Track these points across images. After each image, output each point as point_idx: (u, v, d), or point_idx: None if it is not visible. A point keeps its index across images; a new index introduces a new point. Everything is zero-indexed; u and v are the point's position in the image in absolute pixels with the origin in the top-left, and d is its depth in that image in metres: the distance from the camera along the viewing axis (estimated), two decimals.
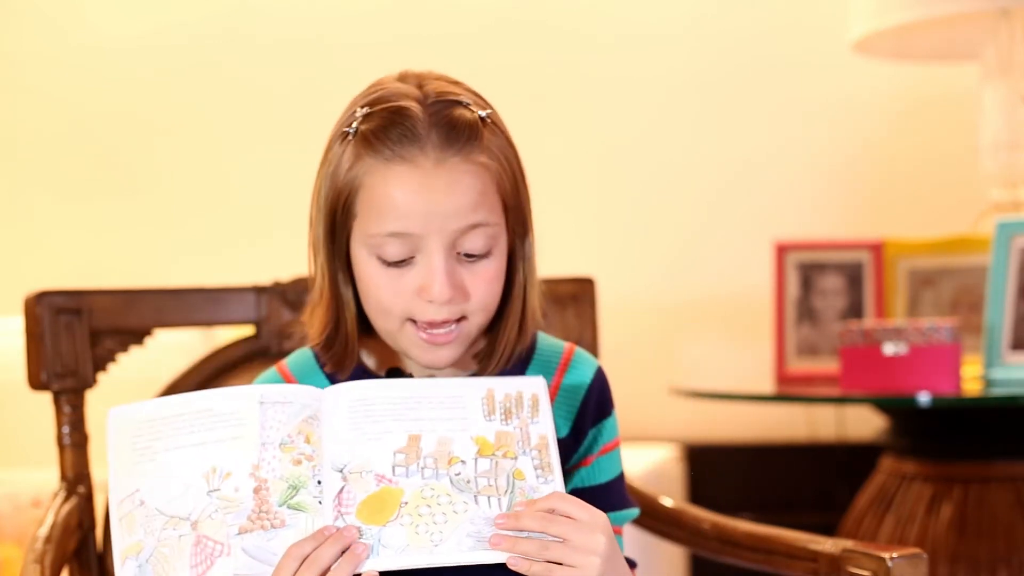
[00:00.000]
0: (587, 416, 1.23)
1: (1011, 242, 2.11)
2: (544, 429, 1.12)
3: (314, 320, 1.20)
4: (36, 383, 1.51)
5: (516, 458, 1.10)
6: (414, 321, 1.14)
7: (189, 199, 3.19)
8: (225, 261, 3.08)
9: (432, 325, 1.14)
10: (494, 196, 1.13)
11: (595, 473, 1.23)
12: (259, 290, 1.61)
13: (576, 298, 1.66)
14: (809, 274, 2.42)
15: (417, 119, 1.11)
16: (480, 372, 1.21)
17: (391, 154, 1.10)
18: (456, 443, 1.10)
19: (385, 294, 1.13)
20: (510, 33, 3.06)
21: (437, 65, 1.21)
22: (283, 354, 1.54)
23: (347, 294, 1.18)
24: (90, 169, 3.23)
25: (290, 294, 1.60)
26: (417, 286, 1.12)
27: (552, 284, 1.60)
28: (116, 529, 1.10)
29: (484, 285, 1.14)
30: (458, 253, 1.13)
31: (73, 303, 1.52)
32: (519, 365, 1.23)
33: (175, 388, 1.60)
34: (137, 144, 3.21)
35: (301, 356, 1.25)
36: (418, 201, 1.10)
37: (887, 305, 2.39)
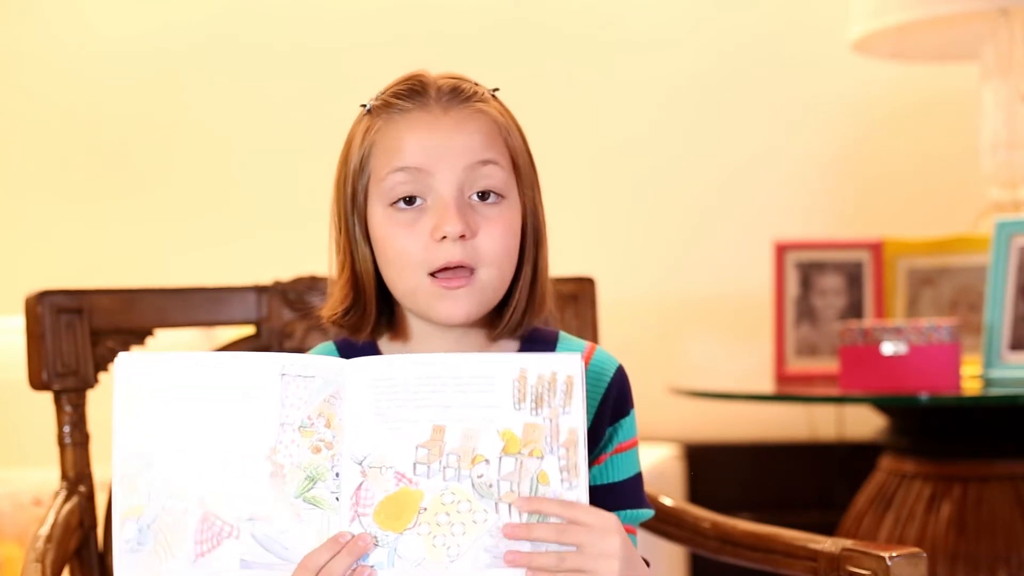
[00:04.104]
0: (605, 415, 1.23)
1: (1010, 242, 2.12)
2: (575, 422, 1.07)
3: (334, 294, 1.21)
4: (37, 382, 1.52)
5: (542, 457, 1.07)
6: (431, 275, 1.15)
7: (190, 198, 3.19)
8: (226, 261, 3.08)
9: (447, 269, 1.14)
10: (501, 145, 1.17)
11: (609, 471, 1.22)
12: (260, 290, 1.61)
13: (576, 298, 1.66)
14: (809, 274, 2.42)
15: (428, 81, 1.18)
16: (489, 340, 1.21)
17: (402, 106, 1.17)
18: (482, 438, 1.06)
19: (401, 242, 1.15)
20: (510, 35, 3.06)
21: (438, 67, 1.23)
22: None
23: (366, 255, 1.18)
24: (91, 169, 3.23)
25: (291, 294, 1.61)
26: (430, 227, 1.14)
27: (552, 284, 1.60)
28: (118, 487, 1.08)
29: (497, 231, 1.15)
30: (469, 197, 1.15)
31: (74, 303, 1.52)
32: None
33: None
34: (138, 144, 3.21)
35: (324, 348, 1.26)
36: (425, 138, 1.15)
37: (887, 305, 2.39)
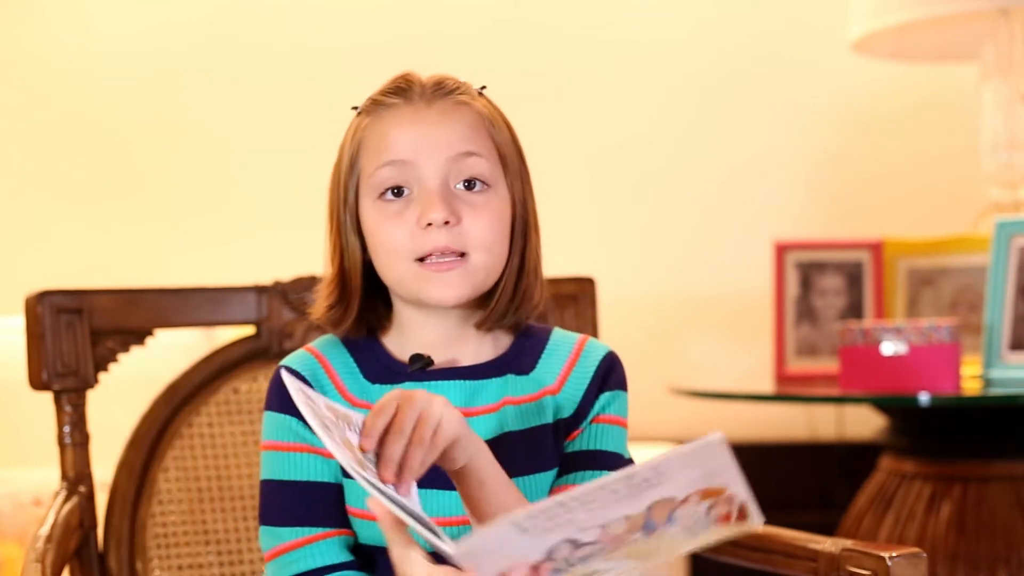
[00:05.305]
0: (592, 395, 1.23)
1: (1010, 242, 2.12)
2: None
3: (321, 290, 1.23)
4: (37, 382, 1.52)
5: None
6: (420, 261, 1.17)
7: (190, 198, 3.19)
8: (226, 261, 3.08)
9: (435, 253, 1.16)
10: (486, 137, 1.19)
11: (590, 439, 1.22)
12: (260, 290, 1.61)
13: (576, 298, 1.66)
14: (809, 274, 2.42)
15: (413, 79, 1.21)
16: (480, 325, 1.21)
17: (388, 102, 1.19)
18: None
19: (390, 233, 1.17)
20: (510, 35, 3.06)
21: (437, 67, 1.23)
22: (283, 354, 1.55)
23: (356, 250, 1.20)
24: (91, 169, 3.23)
25: (291, 294, 1.61)
26: (417, 215, 1.16)
27: (552, 284, 1.60)
28: None
29: (483, 217, 1.17)
30: (454, 186, 1.17)
31: (74, 303, 1.52)
32: (532, 355, 1.24)
33: (176, 388, 1.60)
34: (138, 144, 3.21)
35: (327, 337, 1.27)
36: (410, 131, 1.17)
37: (886, 305, 2.39)
